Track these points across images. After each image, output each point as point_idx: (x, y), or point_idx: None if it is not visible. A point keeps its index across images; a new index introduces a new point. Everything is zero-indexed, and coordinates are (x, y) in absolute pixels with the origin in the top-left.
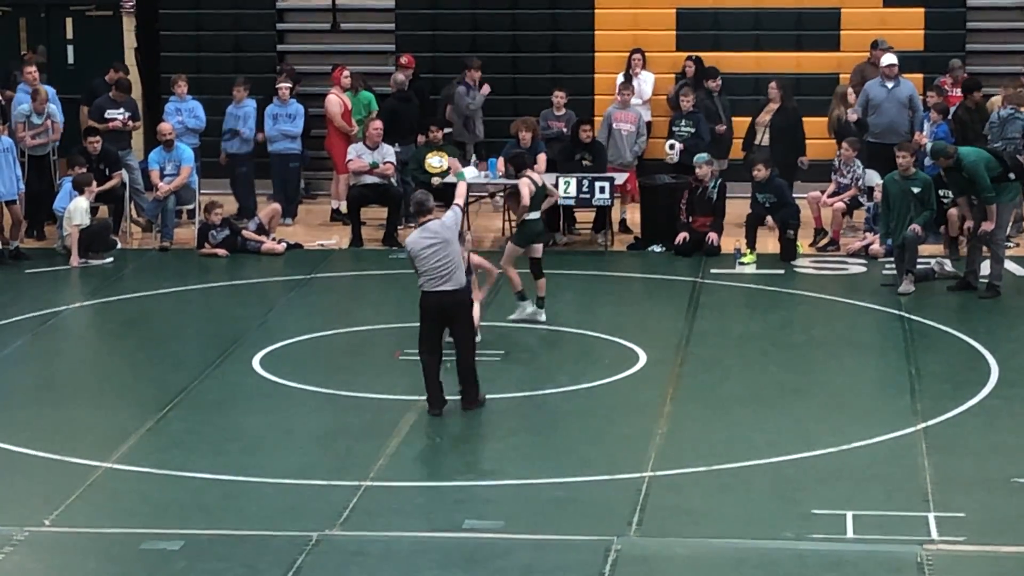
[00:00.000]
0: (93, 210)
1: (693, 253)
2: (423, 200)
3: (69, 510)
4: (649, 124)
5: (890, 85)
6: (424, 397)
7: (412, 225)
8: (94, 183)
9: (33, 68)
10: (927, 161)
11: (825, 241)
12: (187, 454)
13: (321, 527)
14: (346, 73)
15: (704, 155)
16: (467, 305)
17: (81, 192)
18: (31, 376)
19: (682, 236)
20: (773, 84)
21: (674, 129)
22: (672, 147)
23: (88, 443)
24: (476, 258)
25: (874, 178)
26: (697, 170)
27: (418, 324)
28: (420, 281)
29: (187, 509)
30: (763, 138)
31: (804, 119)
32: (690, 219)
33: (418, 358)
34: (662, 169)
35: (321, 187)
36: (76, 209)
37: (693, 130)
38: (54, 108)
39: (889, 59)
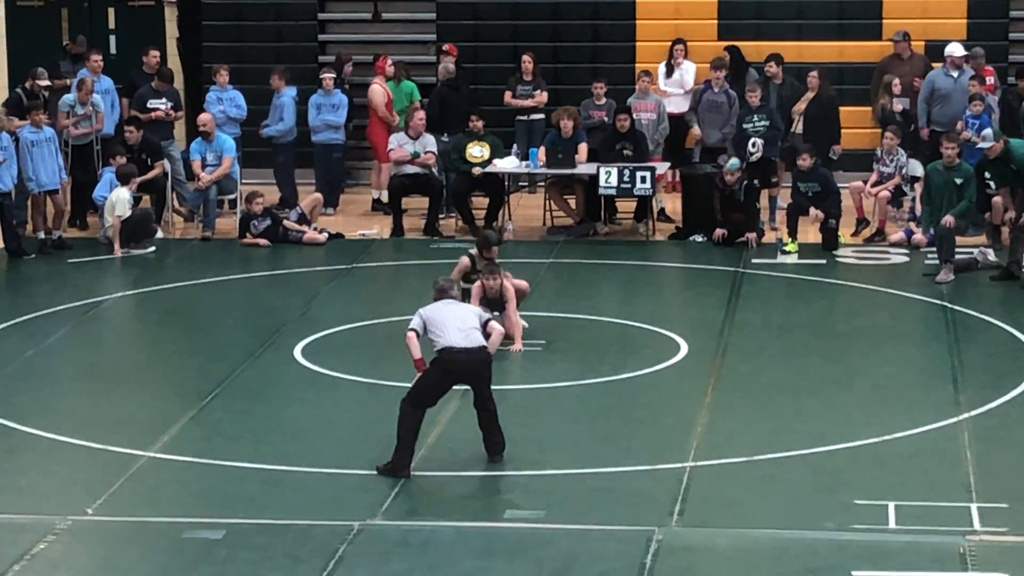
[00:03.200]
0: (136, 200)
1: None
2: (445, 288)
3: (111, 499)
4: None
5: (955, 75)
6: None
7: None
8: (137, 174)
9: (99, 57)
10: (981, 143)
11: (871, 232)
12: (229, 443)
13: (363, 517)
14: (390, 62)
15: (736, 162)
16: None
17: (125, 183)
18: (73, 365)
19: (719, 233)
20: (813, 73)
21: (747, 127)
22: (754, 145)
23: (130, 432)
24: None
25: (917, 168)
26: (728, 177)
27: None
28: (440, 341)
29: (229, 498)
30: (798, 126)
31: (847, 108)
32: (723, 217)
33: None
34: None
35: (362, 177)
36: (118, 200)
37: (767, 123)
38: (98, 98)
39: (956, 49)
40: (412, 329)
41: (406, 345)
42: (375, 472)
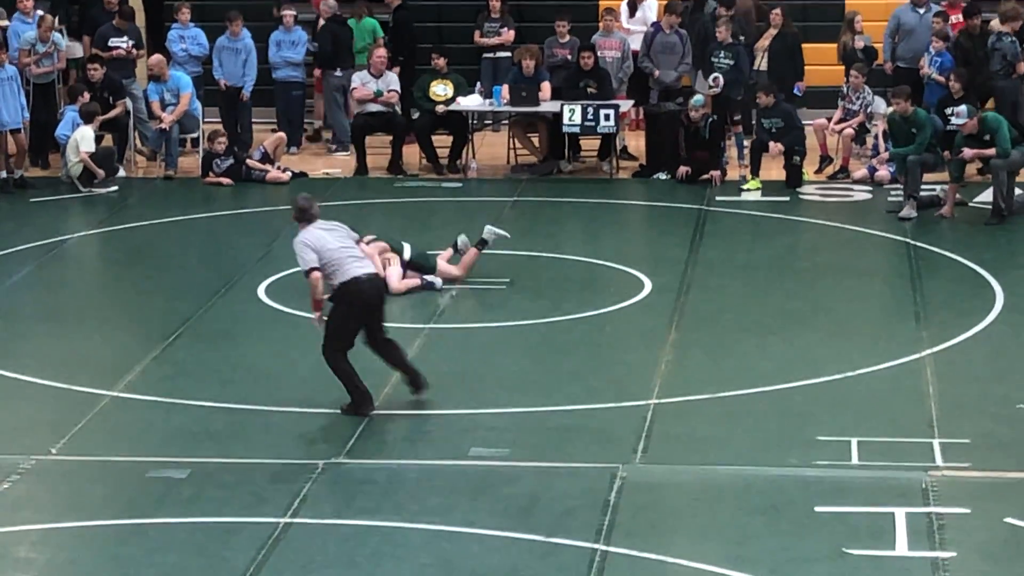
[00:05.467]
0: (97, 139)
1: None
2: (307, 207)
3: (76, 439)
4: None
5: (921, 11)
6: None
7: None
8: (100, 112)
9: None
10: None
11: (835, 169)
12: (193, 383)
13: (327, 455)
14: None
15: (700, 98)
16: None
17: (89, 121)
18: (36, 305)
19: (683, 170)
20: (777, 10)
21: (713, 60)
22: (715, 79)
23: (94, 372)
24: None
25: (881, 105)
26: (692, 113)
27: None
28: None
29: (193, 437)
30: (761, 63)
31: (811, 45)
32: (688, 155)
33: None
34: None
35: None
36: (83, 138)
37: (732, 62)
38: (58, 36)
39: None
40: (315, 268)
41: (311, 285)
42: (340, 412)
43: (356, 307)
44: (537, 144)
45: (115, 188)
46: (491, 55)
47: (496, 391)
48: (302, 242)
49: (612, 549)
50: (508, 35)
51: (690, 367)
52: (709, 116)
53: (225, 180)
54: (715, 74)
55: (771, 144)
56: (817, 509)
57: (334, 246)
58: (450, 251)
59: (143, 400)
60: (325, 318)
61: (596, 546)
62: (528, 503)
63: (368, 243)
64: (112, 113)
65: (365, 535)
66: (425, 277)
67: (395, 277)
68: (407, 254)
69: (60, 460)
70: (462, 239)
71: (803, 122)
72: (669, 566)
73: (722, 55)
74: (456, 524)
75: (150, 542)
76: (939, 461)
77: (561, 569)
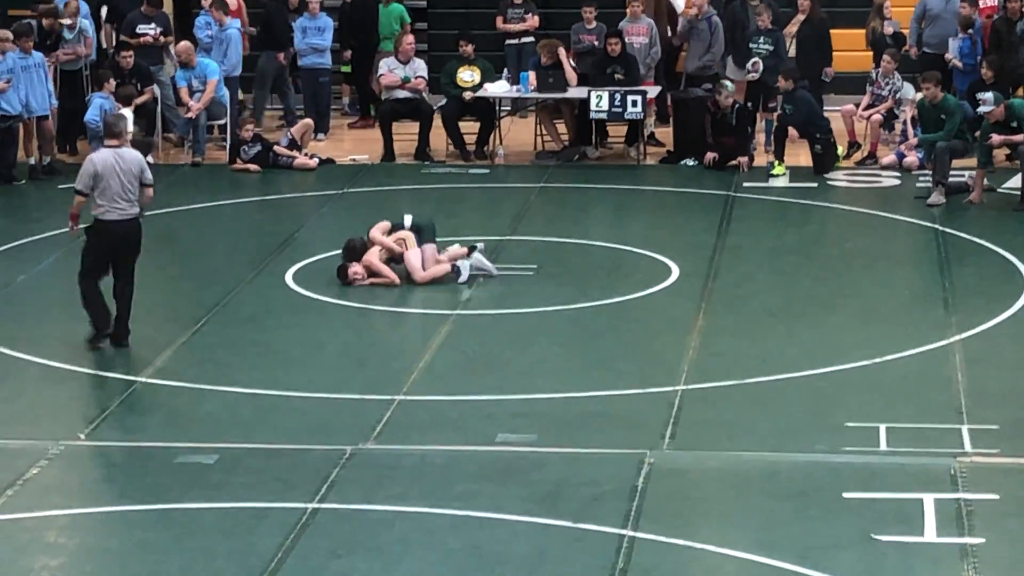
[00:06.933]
0: None
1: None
2: (112, 124)
3: (104, 424)
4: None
5: None
6: None
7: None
8: (136, 95)
9: None
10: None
11: (863, 155)
12: (221, 369)
13: (355, 441)
14: None
15: (730, 85)
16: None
17: (127, 104)
18: (65, 291)
19: (710, 156)
20: None
21: (752, 47)
22: (754, 64)
23: (122, 358)
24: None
25: (910, 91)
26: (719, 97)
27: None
28: (102, 209)
29: (222, 423)
30: (790, 49)
31: (840, 31)
32: (714, 141)
33: None
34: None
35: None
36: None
37: (772, 48)
38: (86, 23)
39: None
40: (82, 193)
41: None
42: (368, 396)
43: (104, 244)
44: (563, 130)
45: None
46: (515, 41)
47: (523, 377)
48: (91, 161)
49: (639, 535)
50: (533, 21)
51: (718, 353)
52: (736, 103)
53: (252, 166)
54: (755, 59)
55: (789, 129)
56: (845, 495)
57: (114, 183)
58: (464, 250)
59: (171, 386)
60: (78, 228)
61: (623, 532)
62: (555, 489)
63: (387, 233)
64: (139, 100)
65: (393, 521)
66: (456, 263)
67: (417, 266)
68: (407, 223)
69: (89, 445)
70: (480, 249)
71: (831, 108)
72: (696, 552)
73: (761, 41)
74: (483, 510)
75: (178, 527)
76: (967, 447)
77: (588, 555)
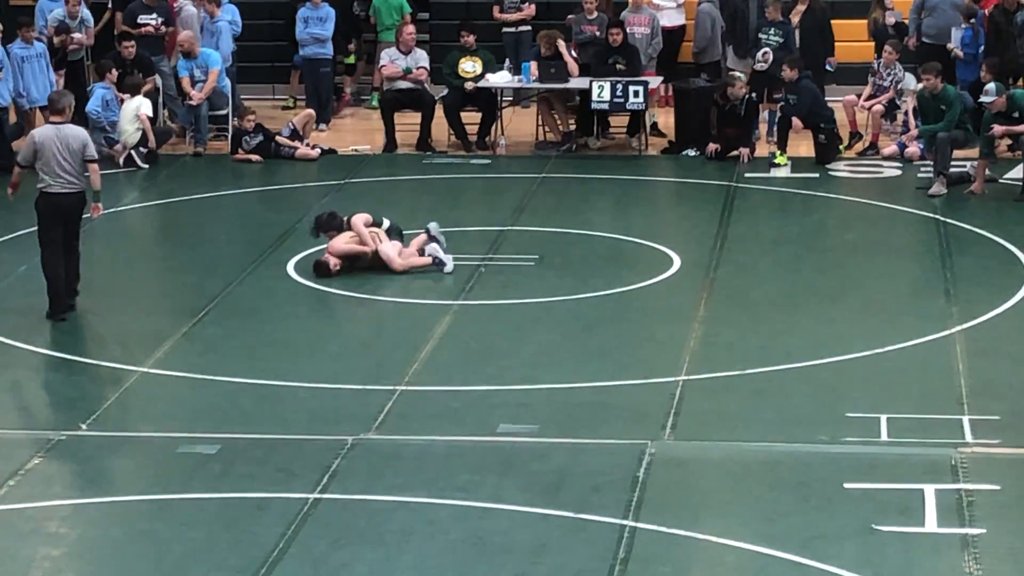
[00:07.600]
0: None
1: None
2: (56, 99)
3: (105, 414)
4: (683, 27)
5: None
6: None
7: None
8: (143, 84)
9: None
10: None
11: (864, 145)
12: (223, 359)
13: (356, 431)
14: None
15: (742, 76)
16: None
17: (137, 93)
18: None
19: (713, 147)
20: None
21: (762, 37)
22: (764, 55)
23: (124, 348)
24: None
25: (911, 82)
26: (731, 89)
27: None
28: (45, 182)
29: (223, 413)
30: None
31: (842, 21)
32: (717, 132)
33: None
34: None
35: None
36: (142, 103)
37: (782, 40)
38: (87, 12)
39: None
40: (21, 166)
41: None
42: (369, 387)
43: (48, 215)
44: (558, 122)
45: (146, 166)
46: (512, 30)
47: (525, 367)
48: (31, 135)
49: (641, 525)
50: (529, 10)
51: (719, 343)
52: (747, 94)
53: (254, 157)
54: (765, 49)
55: (793, 119)
56: (846, 486)
57: (53, 158)
58: (423, 236)
59: (173, 376)
60: (13, 196)
61: (625, 522)
62: (557, 479)
63: (367, 225)
64: (147, 87)
65: (394, 511)
66: (439, 256)
67: (393, 255)
68: (384, 224)
69: (90, 436)
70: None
71: (832, 99)
72: (698, 542)
73: (771, 31)
74: (485, 500)
75: (180, 517)
76: (969, 438)
77: (589, 545)
